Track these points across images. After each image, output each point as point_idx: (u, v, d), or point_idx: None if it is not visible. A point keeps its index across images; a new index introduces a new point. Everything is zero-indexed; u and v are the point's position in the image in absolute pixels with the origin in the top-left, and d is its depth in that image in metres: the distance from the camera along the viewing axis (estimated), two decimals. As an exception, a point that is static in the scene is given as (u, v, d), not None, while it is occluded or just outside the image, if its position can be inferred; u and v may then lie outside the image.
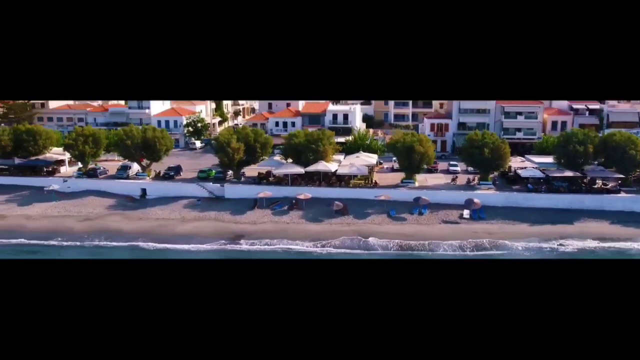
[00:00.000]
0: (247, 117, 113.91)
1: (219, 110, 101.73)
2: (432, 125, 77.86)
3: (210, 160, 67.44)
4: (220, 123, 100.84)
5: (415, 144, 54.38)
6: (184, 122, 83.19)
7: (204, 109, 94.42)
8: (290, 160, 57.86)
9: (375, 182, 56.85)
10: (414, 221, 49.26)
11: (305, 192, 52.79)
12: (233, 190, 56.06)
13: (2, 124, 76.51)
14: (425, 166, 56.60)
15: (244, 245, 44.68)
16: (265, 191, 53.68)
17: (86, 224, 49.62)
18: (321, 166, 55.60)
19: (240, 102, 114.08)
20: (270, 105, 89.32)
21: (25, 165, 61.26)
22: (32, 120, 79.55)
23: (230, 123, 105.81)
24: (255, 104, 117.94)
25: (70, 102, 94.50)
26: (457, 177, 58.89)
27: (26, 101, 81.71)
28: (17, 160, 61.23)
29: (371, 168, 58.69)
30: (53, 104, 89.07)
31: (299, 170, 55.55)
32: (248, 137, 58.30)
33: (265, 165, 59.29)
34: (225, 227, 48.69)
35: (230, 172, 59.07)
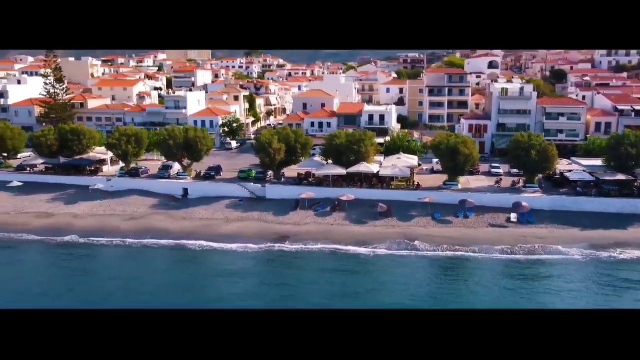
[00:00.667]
0: (278, 117, 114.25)
1: (252, 110, 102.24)
2: (471, 126, 76.50)
3: (246, 161, 67.62)
4: (253, 123, 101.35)
5: (459, 145, 53.47)
6: (220, 122, 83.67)
7: (237, 109, 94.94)
8: (330, 161, 57.53)
9: (418, 184, 56.09)
10: (460, 224, 48.38)
11: (347, 194, 52.38)
12: (274, 191, 56.02)
13: (45, 124, 78.13)
14: (467, 168, 55.66)
15: (290, 246, 44.46)
16: (308, 192, 53.44)
17: (132, 223, 50.17)
18: (363, 167, 55.11)
19: (273, 102, 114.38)
20: (305, 106, 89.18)
21: (70, 165, 62.42)
22: (72, 119, 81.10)
23: (263, 123, 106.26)
24: (288, 105, 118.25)
25: (109, 102, 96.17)
26: (501, 179, 57.70)
27: (67, 101, 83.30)
28: (62, 160, 62.42)
29: (412, 170, 57.94)
30: (92, 104, 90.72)
31: (341, 171, 55.15)
32: (289, 138, 58.26)
33: (306, 166, 59.14)
34: (269, 227, 48.61)
35: (270, 173, 59.08)
